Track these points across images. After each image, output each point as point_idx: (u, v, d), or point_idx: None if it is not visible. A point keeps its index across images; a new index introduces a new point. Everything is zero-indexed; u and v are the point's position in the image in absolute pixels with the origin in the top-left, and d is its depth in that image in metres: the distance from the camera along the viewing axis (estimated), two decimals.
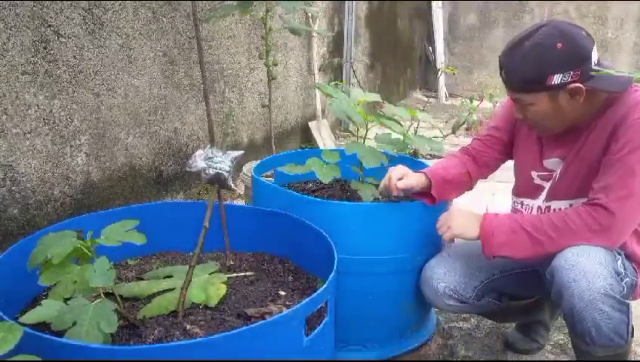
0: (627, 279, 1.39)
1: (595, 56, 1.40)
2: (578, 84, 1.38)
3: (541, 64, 1.38)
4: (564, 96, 1.41)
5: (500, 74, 1.46)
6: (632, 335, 1.44)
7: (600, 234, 1.36)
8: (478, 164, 1.76)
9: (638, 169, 1.35)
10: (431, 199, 1.67)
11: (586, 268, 1.32)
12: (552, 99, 1.41)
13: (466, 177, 1.75)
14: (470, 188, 1.79)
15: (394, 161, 1.82)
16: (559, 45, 1.36)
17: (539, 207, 1.60)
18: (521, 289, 1.69)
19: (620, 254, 1.42)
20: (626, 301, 1.36)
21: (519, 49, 1.41)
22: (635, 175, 1.35)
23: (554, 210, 1.55)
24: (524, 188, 1.66)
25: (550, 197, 1.57)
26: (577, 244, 1.37)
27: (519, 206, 1.67)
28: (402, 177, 1.65)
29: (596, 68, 1.39)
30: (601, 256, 1.34)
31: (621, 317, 1.35)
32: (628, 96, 1.42)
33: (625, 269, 1.40)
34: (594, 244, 1.36)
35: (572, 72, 1.37)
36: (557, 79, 1.37)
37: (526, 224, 1.42)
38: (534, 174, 1.61)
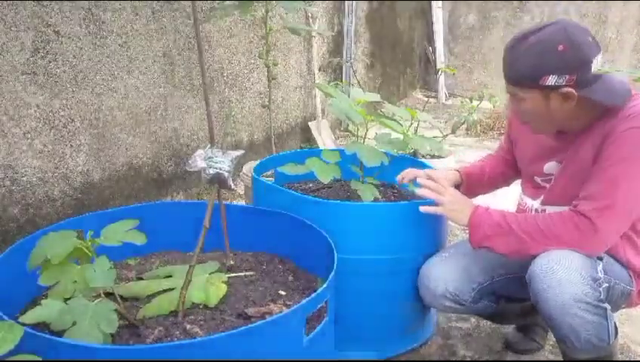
0: (606, 284, 1.40)
1: (597, 63, 1.38)
2: (570, 90, 1.37)
3: (539, 62, 1.37)
4: (556, 99, 1.40)
5: (503, 65, 1.47)
6: (616, 337, 1.45)
7: (580, 242, 1.38)
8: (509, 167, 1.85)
9: (622, 181, 1.36)
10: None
11: (560, 275, 1.34)
12: (544, 99, 1.41)
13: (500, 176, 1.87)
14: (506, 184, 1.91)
15: (394, 160, 1.82)
16: (560, 47, 1.35)
17: (536, 210, 1.62)
18: (519, 292, 1.70)
19: (600, 259, 1.43)
20: (603, 305, 1.37)
21: (523, 43, 1.40)
22: (619, 187, 1.36)
23: None
24: (527, 188, 1.69)
25: (546, 201, 1.59)
26: (554, 250, 1.39)
27: (523, 204, 1.69)
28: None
29: (598, 68, 1.39)
30: (576, 263, 1.35)
31: (599, 321, 1.37)
32: (625, 106, 1.41)
33: (607, 274, 1.41)
34: (572, 250, 1.38)
35: (567, 76, 1.36)
36: (551, 80, 1.37)
37: (512, 221, 1.45)
38: (538, 179, 1.63)
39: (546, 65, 1.36)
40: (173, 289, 1.31)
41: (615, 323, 1.43)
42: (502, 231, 1.45)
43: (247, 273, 1.48)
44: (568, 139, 1.52)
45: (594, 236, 1.37)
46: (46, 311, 1.13)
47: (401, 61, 6.10)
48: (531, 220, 1.45)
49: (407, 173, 1.79)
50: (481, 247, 1.51)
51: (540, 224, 1.42)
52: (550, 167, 1.58)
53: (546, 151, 1.59)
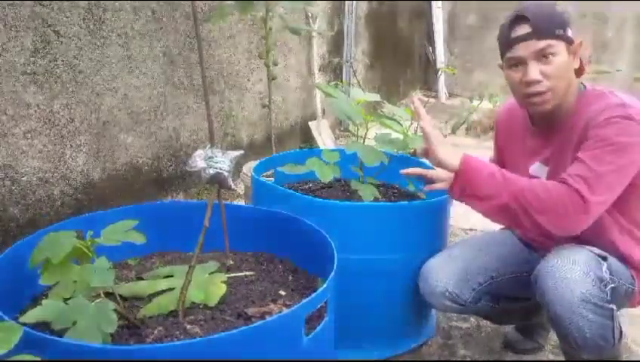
0: (612, 285, 1.40)
1: None
2: (582, 41, 1.45)
3: (560, 15, 1.45)
4: (571, 54, 1.45)
5: (513, 29, 1.47)
6: (621, 339, 1.44)
7: (570, 210, 1.35)
8: None
9: (604, 157, 1.36)
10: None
11: (567, 275, 1.34)
12: (567, 52, 1.45)
13: None
14: None
15: (394, 160, 1.82)
16: (559, 9, 1.45)
17: None
18: (519, 292, 1.70)
19: (605, 259, 1.42)
20: (609, 306, 1.37)
21: (537, 3, 1.47)
22: (601, 164, 1.35)
23: None
24: None
25: None
26: (563, 249, 1.38)
27: None
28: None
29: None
30: (583, 263, 1.35)
31: (604, 322, 1.36)
32: (598, 102, 1.43)
33: (612, 274, 1.41)
34: (579, 250, 1.38)
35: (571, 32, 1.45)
36: (570, 33, 1.44)
37: (506, 172, 1.45)
38: None
39: (565, 19, 1.45)
40: (173, 289, 1.31)
41: (621, 325, 1.42)
42: (493, 180, 1.42)
43: (247, 273, 1.48)
44: (550, 134, 1.54)
45: (582, 207, 1.34)
46: (46, 311, 1.13)
47: (401, 61, 6.10)
48: (526, 179, 1.44)
49: (412, 170, 1.77)
50: (461, 198, 1.48)
51: (536, 185, 1.39)
52: (535, 169, 1.59)
53: (529, 152, 1.61)
